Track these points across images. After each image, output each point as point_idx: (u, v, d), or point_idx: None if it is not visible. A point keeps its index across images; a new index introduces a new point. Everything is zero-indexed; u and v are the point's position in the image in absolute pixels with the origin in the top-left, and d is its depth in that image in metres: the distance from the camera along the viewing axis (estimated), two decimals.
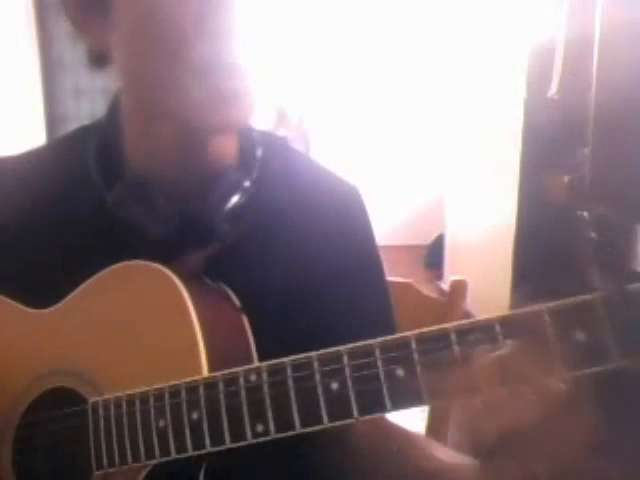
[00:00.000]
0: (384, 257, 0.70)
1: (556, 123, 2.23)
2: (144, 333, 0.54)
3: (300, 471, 0.62)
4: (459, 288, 0.96)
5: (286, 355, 0.46)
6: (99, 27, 0.57)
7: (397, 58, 4.59)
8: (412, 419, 0.66)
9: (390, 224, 4.34)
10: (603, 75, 1.86)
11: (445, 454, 0.59)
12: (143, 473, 0.51)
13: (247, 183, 0.61)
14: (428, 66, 4.45)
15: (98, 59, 0.60)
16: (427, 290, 1.01)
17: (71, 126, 0.69)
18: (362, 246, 0.69)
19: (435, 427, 0.94)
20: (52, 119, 3.25)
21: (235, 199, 0.60)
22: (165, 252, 0.57)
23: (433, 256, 4.16)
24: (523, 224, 2.57)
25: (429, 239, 4.36)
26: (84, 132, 0.68)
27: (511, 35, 2.73)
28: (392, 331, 0.67)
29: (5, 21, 2.81)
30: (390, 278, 0.71)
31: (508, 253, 2.66)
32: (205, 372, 0.50)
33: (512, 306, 2.62)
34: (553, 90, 2.18)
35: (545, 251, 2.30)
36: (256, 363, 0.54)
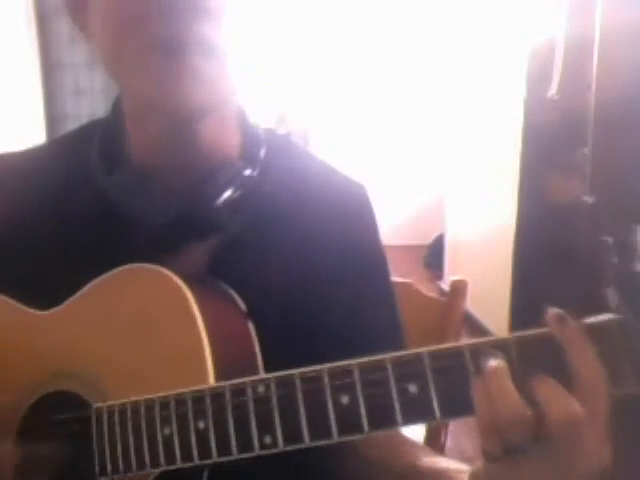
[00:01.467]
0: None
1: (556, 123, 2.23)
2: (149, 337, 0.53)
3: (303, 475, 0.61)
4: (459, 288, 0.96)
5: (288, 356, 0.46)
6: (84, 19, 0.57)
7: (397, 58, 4.59)
8: (411, 427, 0.65)
9: (390, 224, 4.33)
10: (603, 75, 1.86)
11: (444, 460, 0.59)
12: None
13: (248, 171, 0.60)
14: (428, 66, 4.46)
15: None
16: (427, 290, 1.01)
17: (71, 125, 0.69)
18: (368, 245, 0.68)
19: (434, 436, 0.94)
20: (52, 119, 3.25)
21: (235, 188, 0.59)
22: (166, 244, 0.57)
23: (433, 256, 4.16)
24: (523, 224, 2.57)
25: (429, 239, 4.36)
26: (86, 130, 0.67)
27: (511, 35, 2.73)
28: (398, 331, 0.66)
29: (5, 21, 2.81)
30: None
31: (508, 253, 2.66)
32: (211, 377, 0.49)
33: (512, 307, 2.62)
34: (553, 90, 2.18)
35: (545, 251, 2.30)
36: (262, 371, 0.53)
